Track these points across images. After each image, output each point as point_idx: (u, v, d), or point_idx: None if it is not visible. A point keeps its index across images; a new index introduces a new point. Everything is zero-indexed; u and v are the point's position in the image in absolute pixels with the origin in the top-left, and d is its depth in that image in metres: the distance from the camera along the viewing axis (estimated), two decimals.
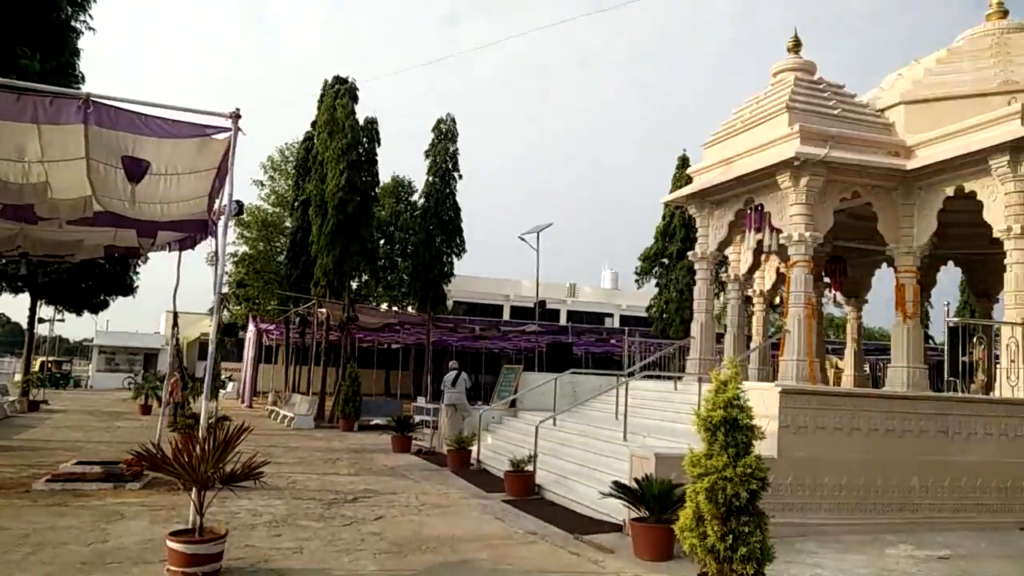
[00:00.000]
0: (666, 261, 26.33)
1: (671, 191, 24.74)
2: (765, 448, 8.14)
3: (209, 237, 10.13)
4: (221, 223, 7.98)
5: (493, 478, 11.89)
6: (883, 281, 17.80)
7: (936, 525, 8.95)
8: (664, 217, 26.44)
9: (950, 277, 19.76)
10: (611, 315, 49.57)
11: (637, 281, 29.11)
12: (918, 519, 8.94)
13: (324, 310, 23.66)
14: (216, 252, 8.75)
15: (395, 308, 35.57)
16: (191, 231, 10.47)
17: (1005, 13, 14.83)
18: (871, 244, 14.63)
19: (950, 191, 12.05)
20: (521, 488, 10.45)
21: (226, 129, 7.44)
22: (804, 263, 12.19)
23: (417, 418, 17.57)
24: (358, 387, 20.37)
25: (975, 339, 12.15)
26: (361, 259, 22.95)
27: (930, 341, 20.24)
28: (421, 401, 20.19)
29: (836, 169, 12.16)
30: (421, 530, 8.15)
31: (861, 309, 18.69)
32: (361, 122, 22.71)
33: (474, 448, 13.38)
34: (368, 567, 6.63)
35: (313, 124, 25.16)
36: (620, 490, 7.60)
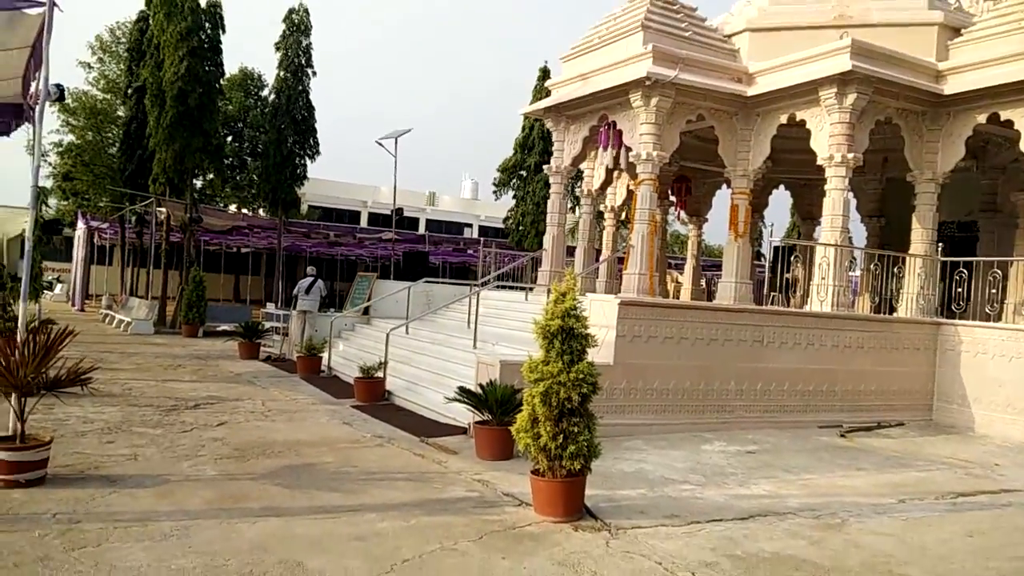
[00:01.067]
0: (524, 173, 26.59)
1: (531, 102, 24.81)
2: (603, 355, 8.69)
3: (25, 123, 9.18)
4: (38, 108, 7.23)
5: (344, 385, 11.94)
6: (724, 201, 18.95)
7: (748, 425, 9.95)
8: (524, 129, 26.51)
9: (781, 198, 21.25)
10: (470, 225, 49.82)
11: (495, 192, 29.32)
12: (733, 419, 9.90)
13: (164, 209, 22.23)
14: (33, 140, 7.95)
15: (245, 210, 33.96)
16: (3, 116, 9.43)
17: None
18: (713, 166, 15.44)
19: (784, 119, 12.80)
20: (371, 394, 10.58)
21: (39, 3, 6.66)
22: (650, 181, 12.70)
23: (267, 324, 17.18)
24: (203, 291, 19.53)
25: (793, 257, 13.23)
26: (205, 156, 21.60)
27: (760, 259, 21.90)
28: (271, 307, 19.70)
29: (684, 91, 12.56)
30: (266, 435, 8.12)
31: (702, 227, 19.85)
32: (203, 4, 20.92)
33: (325, 355, 13.31)
34: (208, 472, 6.57)
35: (148, 3, 22.90)
36: (465, 395, 7.88)
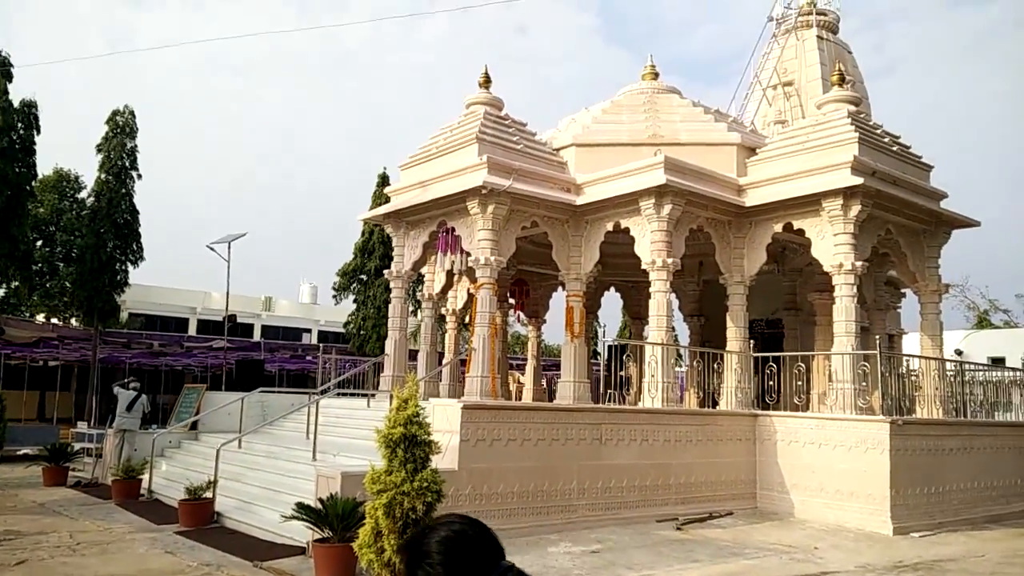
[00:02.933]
0: (365, 277, 26.47)
1: (371, 207, 25.00)
2: (447, 461, 8.61)
3: None
4: None
5: (168, 508, 10.94)
6: (560, 303, 19.76)
7: (591, 523, 10.11)
8: (364, 233, 26.58)
9: (615, 300, 22.51)
10: (309, 331, 48.36)
11: (335, 297, 28.87)
12: (576, 519, 10.03)
13: None
14: None
15: (55, 320, 31.14)
16: None
17: (656, 75, 17.44)
18: (549, 269, 16.16)
19: (610, 226, 13.71)
20: (198, 517, 9.78)
21: None
22: (489, 285, 13.06)
23: (78, 446, 15.54)
24: (2, 411, 17.47)
25: (625, 356, 13.91)
26: (11, 263, 19.83)
27: (597, 357, 22.81)
28: (83, 426, 17.91)
29: (519, 199, 13.21)
30: (74, 572, 7.26)
31: (541, 328, 20.51)
32: (16, 104, 19.70)
33: (145, 477, 12.21)
34: None
35: None
36: (303, 511, 7.49)
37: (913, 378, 13.82)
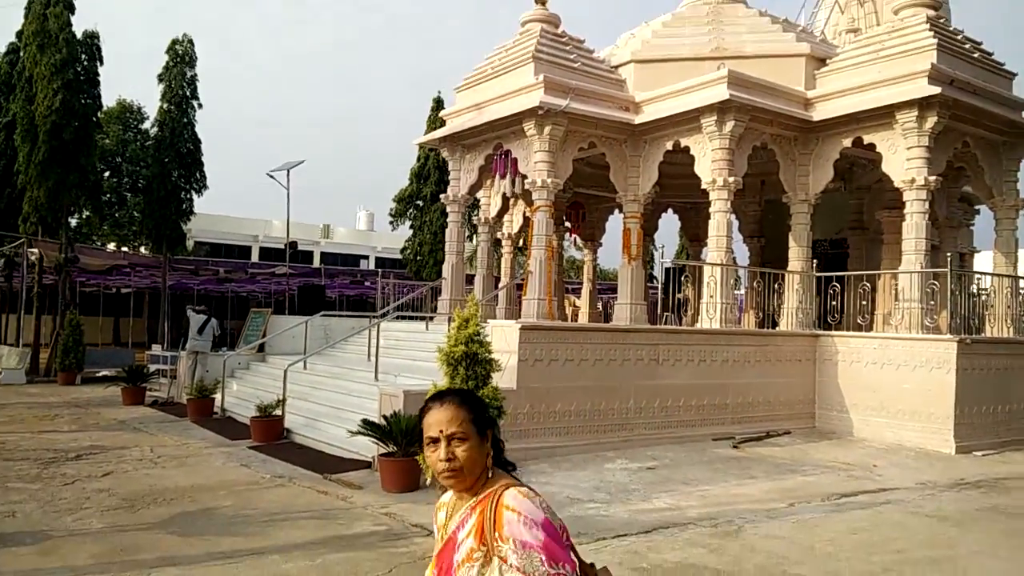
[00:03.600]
0: (421, 203, 26.57)
1: (426, 132, 24.89)
2: (506, 380, 8.75)
3: None
4: None
5: (240, 426, 11.48)
6: (617, 225, 19.56)
7: (648, 441, 10.24)
8: (419, 159, 26.56)
9: (670, 221, 22.17)
10: (367, 257, 49.16)
11: (392, 223, 29.13)
12: (633, 437, 10.16)
13: (36, 250, 20.87)
14: None
15: (125, 249, 32.30)
16: None
17: None
18: (605, 191, 15.94)
19: (669, 145, 13.38)
20: (269, 433, 10.23)
21: None
22: (546, 207, 12.96)
23: (152, 367, 16.31)
24: (80, 336, 18.38)
25: (683, 278, 13.77)
26: (82, 193, 20.47)
27: (653, 280, 22.63)
28: (157, 349, 18.74)
29: (576, 119, 12.94)
30: (157, 483, 7.72)
31: (597, 252, 20.41)
32: (79, 36, 19.98)
33: (218, 396, 12.77)
34: (94, 525, 6.18)
35: (19, 34, 21.65)
36: (368, 427, 7.75)
37: (984, 297, 13.35)
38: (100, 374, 19.09)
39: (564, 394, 9.56)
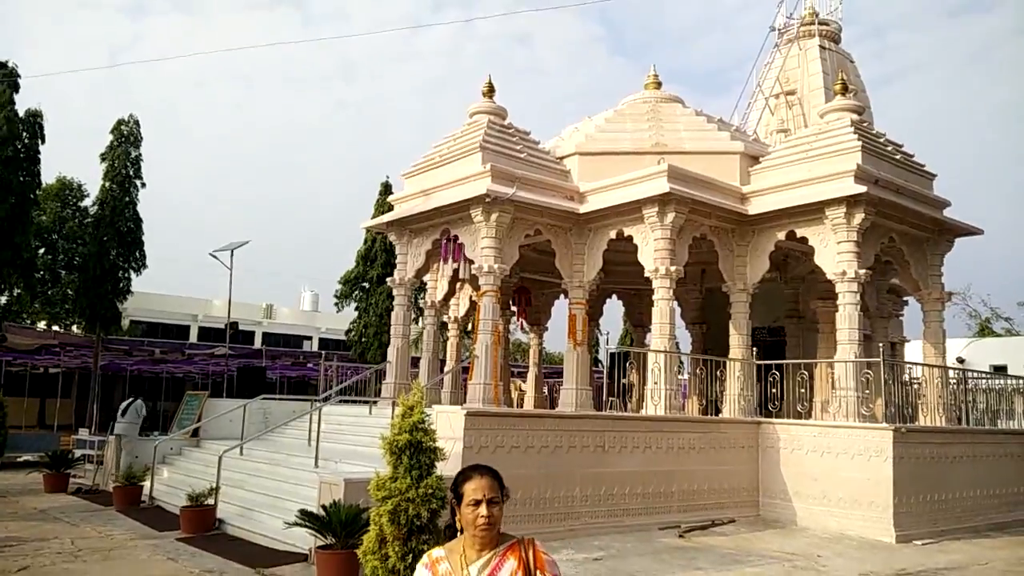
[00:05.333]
0: (367, 285, 26.48)
1: (373, 216, 25.05)
2: (450, 467, 8.56)
3: None
4: None
5: (169, 515, 10.92)
6: (562, 310, 19.79)
7: (594, 531, 10.08)
8: (366, 241, 26.61)
9: (615, 307, 22.55)
10: (310, 338, 48.34)
11: (337, 304, 28.88)
12: (579, 526, 10.00)
13: None
14: None
15: (56, 328, 31.12)
16: None
17: (659, 84, 17.46)
18: (551, 277, 16.18)
19: (613, 234, 13.73)
20: (200, 524, 9.75)
21: None
22: (493, 292, 13.06)
23: (78, 452, 15.51)
24: (3, 418, 17.44)
25: (628, 363, 13.91)
26: (13, 271, 19.85)
27: (599, 365, 22.77)
28: (84, 433, 17.87)
29: (522, 208, 13.22)
30: None
31: (543, 336, 20.51)
32: (22, 114, 19.78)
33: (147, 483, 12.19)
34: None
35: None
36: (306, 518, 7.47)
37: (916, 386, 13.80)
38: (21, 459, 18.11)
39: (510, 482, 9.13)
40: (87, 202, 29.42)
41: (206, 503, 9.95)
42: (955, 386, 13.85)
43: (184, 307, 44.66)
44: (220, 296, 48.33)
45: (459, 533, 2.67)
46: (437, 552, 2.65)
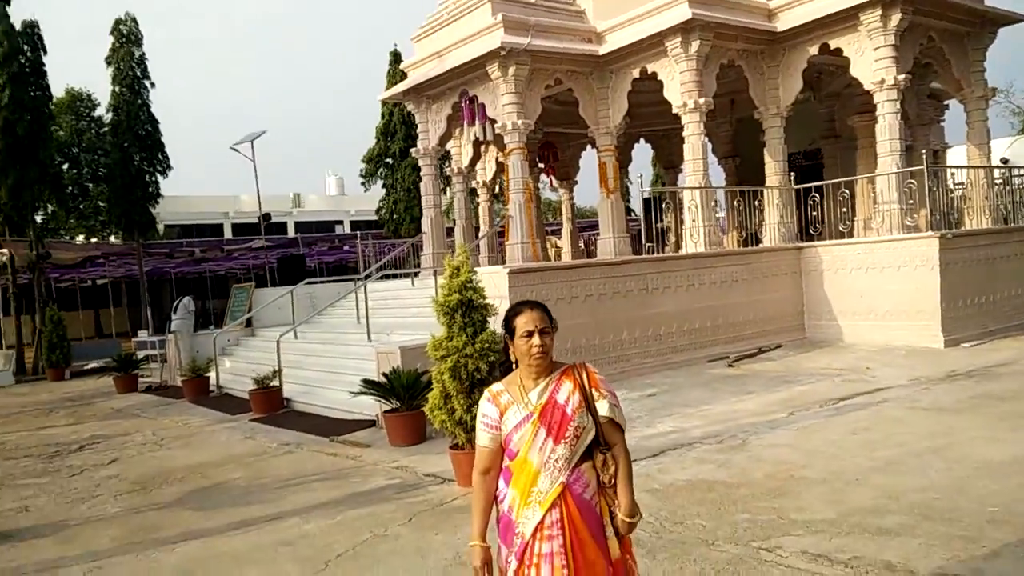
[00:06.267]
0: (390, 161, 26.20)
1: (387, 87, 24.39)
2: (498, 326, 8.76)
3: None
4: None
5: (238, 400, 11.48)
6: (590, 162, 19.45)
7: (645, 370, 10.35)
8: (383, 116, 26.07)
9: (643, 151, 22.05)
10: (341, 222, 48.57)
11: (363, 184, 28.74)
12: (630, 368, 10.26)
13: (5, 250, 20.47)
14: None
15: (95, 240, 31.73)
16: None
17: None
18: (576, 128, 15.78)
19: (636, 73, 13.21)
20: (269, 404, 10.23)
21: None
22: (520, 150, 12.81)
23: (141, 353, 16.18)
24: (63, 331, 18.17)
25: (663, 206, 13.76)
26: (44, 188, 19.99)
27: (631, 212, 22.57)
28: (143, 335, 18.56)
29: (539, 57, 12.71)
30: (164, 464, 7.73)
31: (573, 190, 20.30)
32: (18, 27, 19.26)
33: (212, 374, 12.74)
34: (109, 510, 6.19)
35: None
36: (370, 386, 7.76)
37: (961, 191, 13.47)
38: (89, 367, 18.98)
39: (559, 333, 9.57)
40: (100, 111, 29.13)
41: (272, 385, 10.39)
42: (1001, 186, 13.48)
43: (214, 206, 44.91)
44: (248, 191, 48.45)
45: (514, 367, 2.78)
46: (497, 387, 2.77)
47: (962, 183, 13.36)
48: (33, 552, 5.27)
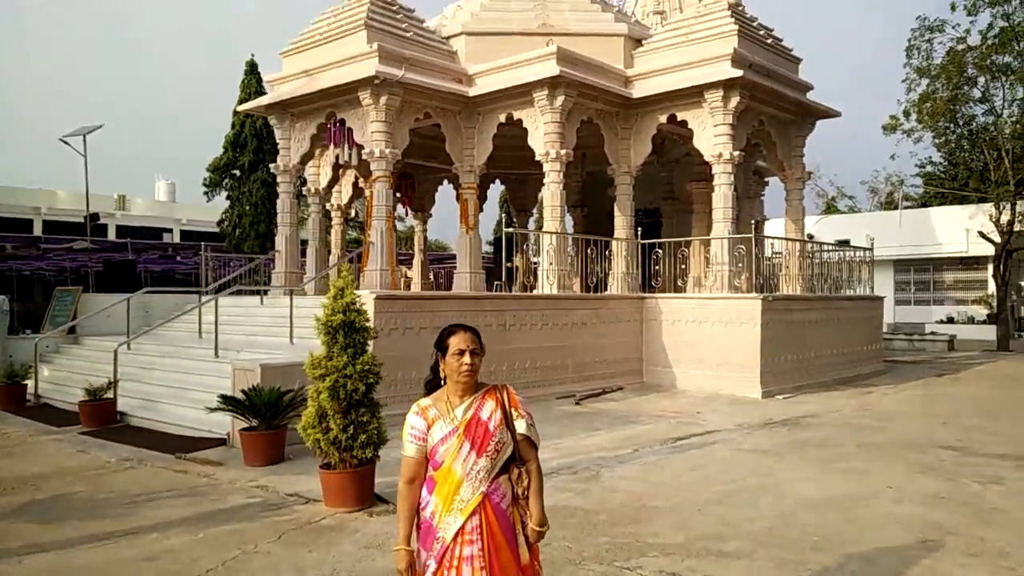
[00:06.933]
0: (238, 173, 25.24)
1: (240, 98, 23.60)
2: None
3: None
4: None
5: (61, 412, 10.61)
6: (444, 197, 19.85)
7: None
8: (234, 126, 25.09)
9: (493, 192, 22.70)
10: (170, 231, 45.75)
11: (206, 194, 27.38)
12: None
13: None
14: None
15: None
16: None
17: None
18: (435, 162, 16.15)
19: (503, 118, 13.81)
20: (101, 418, 9.56)
21: None
22: (385, 178, 12.93)
23: None
24: None
25: (515, 246, 14.35)
26: None
27: (482, 249, 23.14)
28: None
29: (411, 90, 12.96)
30: None
31: (426, 223, 20.58)
32: None
33: (30, 381, 11.66)
34: None
35: None
36: (229, 403, 7.54)
37: (777, 260, 15.14)
38: None
39: (418, 362, 9.72)
40: None
41: (105, 396, 9.73)
42: (810, 258, 15.31)
43: (24, 199, 40.87)
44: (63, 186, 44.67)
45: (442, 383, 3.03)
46: (424, 401, 3.01)
47: (779, 252, 15.05)
48: None
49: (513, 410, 2.98)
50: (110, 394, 9.82)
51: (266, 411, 7.39)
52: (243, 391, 7.68)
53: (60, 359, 13.24)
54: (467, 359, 2.91)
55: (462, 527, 2.81)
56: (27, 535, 5.27)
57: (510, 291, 13.55)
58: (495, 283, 13.16)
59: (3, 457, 7.88)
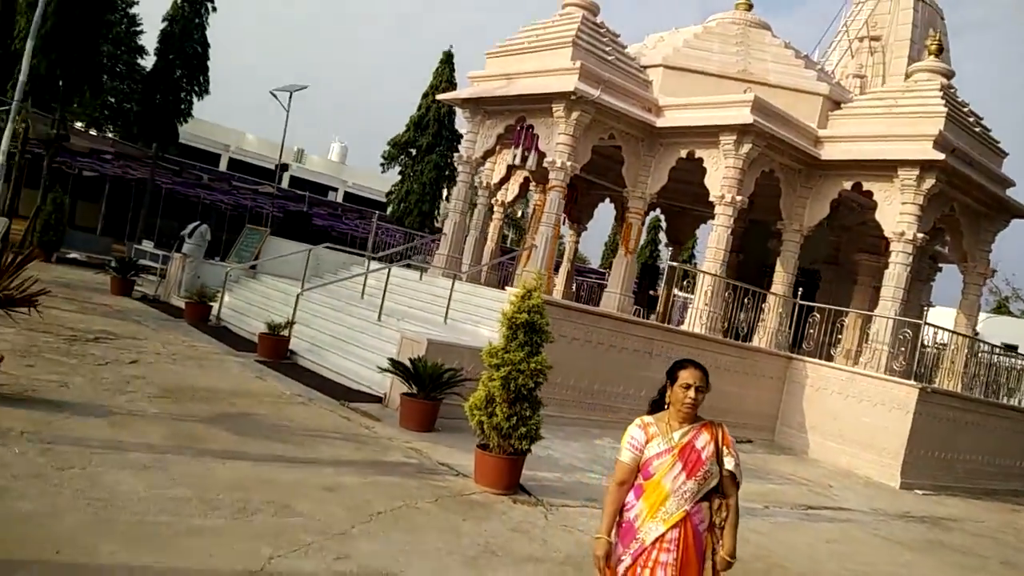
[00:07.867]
0: (414, 152, 26.66)
1: (432, 83, 24.99)
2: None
3: None
4: None
5: (236, 336, 11.79)
6: (602, 213, 20.22)
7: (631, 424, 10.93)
8: (420, 108, 26.56)
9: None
10: (335, 189, 48.60)
11: (383, 165, 29.07)
12: (618, 419, 10.80)
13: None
14: None
15: (109, 135, 31.32)
16: None
17: (750, 6, 17.18)
18: (604, 181, 16.50)
19: (684, 153, 13.95)
20: (275, 351, 10.57)
21: None
22: (560, 188, 13.42)
23: (139, 262, 16.26)
24: (63, 215, 18.13)
25: (667, 278, 14.46)
26: (84, 73, 19.96)
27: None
28: (147, 245, 18.55)
29: (602, 110, 13.36)
30: (184, 380, 8.05)
31: (580, 235, 21.01)
32: None
33: (215, 304, 12.99)
34: (149, 409, 6.54)
35: None
36: (398, 367, 8.20)
37: (935, 350, 14.48)
38: (71, 256, 18.88)
39: (568, 369, 10.13)
40: (135, 9, 28.64)
41: (282, 334, 10.73)
42: (976, 357, 14.54)
43: (217, 135, 44.50)
44: (252, 131, 48.15)
45: (665, 407, 3.39)
46: (647, 418, 3.39)
47: (941, 343, 14.39)
48: (88, 429, 5.61)
49: (724, 447, 3.33)
50: (286, 332, 10.82)
51: (429, 382, 8.00)
52: (410, 360, 8.32)
53: (239, 290, 14.61)
54: (692, 393, 3.27)
55: (662, 535, 3.17)
56: (225, 442, 6.06)
57: (647, 318, 13.73)
58: (635, 308, 13.35)
59: (196, 367, 8.91)
